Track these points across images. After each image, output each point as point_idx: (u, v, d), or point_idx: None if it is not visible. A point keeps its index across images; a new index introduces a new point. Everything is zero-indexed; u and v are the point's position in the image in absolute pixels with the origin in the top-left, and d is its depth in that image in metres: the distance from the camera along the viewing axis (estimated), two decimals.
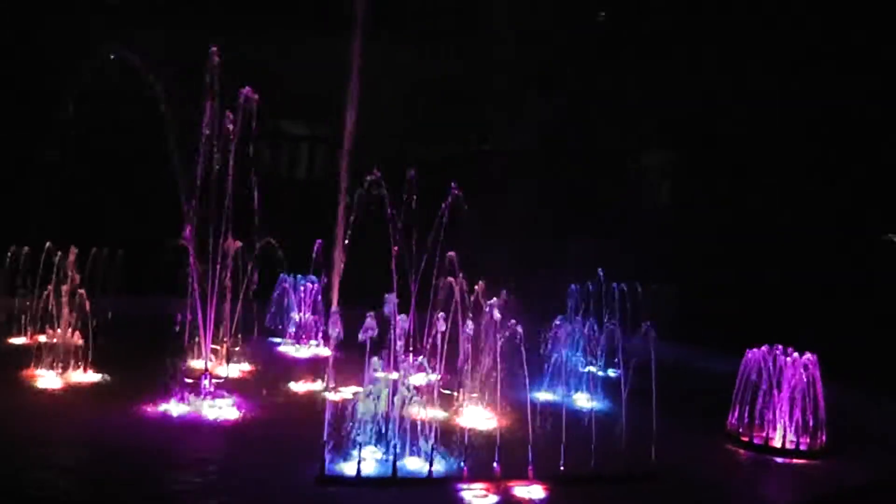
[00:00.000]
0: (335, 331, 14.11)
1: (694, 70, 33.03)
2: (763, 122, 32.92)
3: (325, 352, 19.83)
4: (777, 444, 15.71)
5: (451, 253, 17.58)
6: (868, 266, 31.02)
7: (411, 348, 16.34)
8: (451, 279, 16.52)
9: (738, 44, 32.90)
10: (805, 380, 15.72)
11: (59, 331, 17.14)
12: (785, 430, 15.70)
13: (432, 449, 12.88)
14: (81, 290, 17.06)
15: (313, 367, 18.35)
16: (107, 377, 16.90)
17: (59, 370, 16.77)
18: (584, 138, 32.82)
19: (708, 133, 34.16)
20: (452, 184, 18.78)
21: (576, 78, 32.97)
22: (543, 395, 16.92)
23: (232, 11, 31.12)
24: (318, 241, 21.22)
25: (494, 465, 12.82)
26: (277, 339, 21.30)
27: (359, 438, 12.90)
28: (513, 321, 14.01)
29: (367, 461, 12.72)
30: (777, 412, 15.79)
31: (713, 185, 34.63)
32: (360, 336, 13.20)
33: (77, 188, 26.97)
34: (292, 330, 21.23)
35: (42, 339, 17.80)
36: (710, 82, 32.81)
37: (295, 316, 21.22)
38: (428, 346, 15.91)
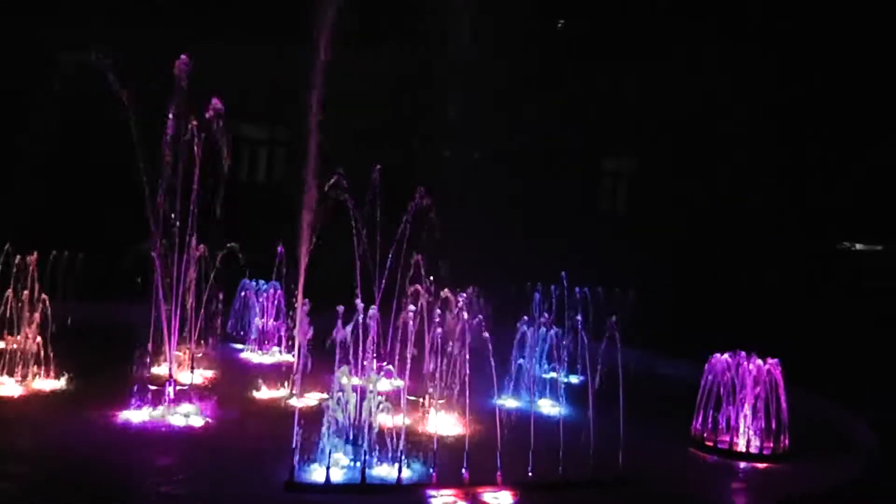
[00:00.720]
0: (306, 326, 13.87)
1: (658, 74, 33.26)
2: (725, 125, 33.21)
3: (288, 358, 19.78)
4: (741, 448, 15.85)
5: (418, 257, 17.57)
6: (831, 272, 31.41)
7: (376, 354, 16.29)
8: (417, 286, 16.49)
9: (704, 47, 33.15)
10: (768, 384, 15.88)
11: (18, 337, 16.90)
12: (748, 435, 15.84)
13: (401, 455, 12.84)
14: (44, 295, 16.86)
15: (277, 374, 18.24)
16: (68, 384, 16.72)
17: (19, 377, 16.55)
18: (546, 142, 32.89)
19: (671, 137, 34.39)
20: (419, 189, 18.80)
21: (542, 81, 33.05)
22: (508, 402, 16.96)
23: (190, 13, 30.95)
24: (280, 248, 21.15)
25: (463, 471, 12.80)
26: (239, 346, 21.20)
27: (327, 445, 12.87)
28: (479, 317, 14.05)
29: (335, 468, 12.69)
30: (740, 417, 15.93)
31: (674, 190, 34.88)
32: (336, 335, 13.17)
33: (37, 191, 26.69)
34: (254, 336, 21.14)
35: (1, 344, 17.60)
36: (675, 86, 33.03)
37: (257, 321, 21.13)
38: (394, 353, 15.89)
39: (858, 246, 36.75)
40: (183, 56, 16.52)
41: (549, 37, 36.58)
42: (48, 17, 29.56)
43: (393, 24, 32.73)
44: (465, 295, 15.97)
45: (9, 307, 17.35)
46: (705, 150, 34.31)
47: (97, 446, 13.76)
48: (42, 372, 16.72)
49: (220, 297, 18.89)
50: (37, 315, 16.79)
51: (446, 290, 15.98)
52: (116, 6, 30.36)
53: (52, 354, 16.75)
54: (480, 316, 15.19)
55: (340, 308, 13.60)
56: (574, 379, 19.35)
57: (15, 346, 16.88)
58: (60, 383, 16.74)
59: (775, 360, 16.03)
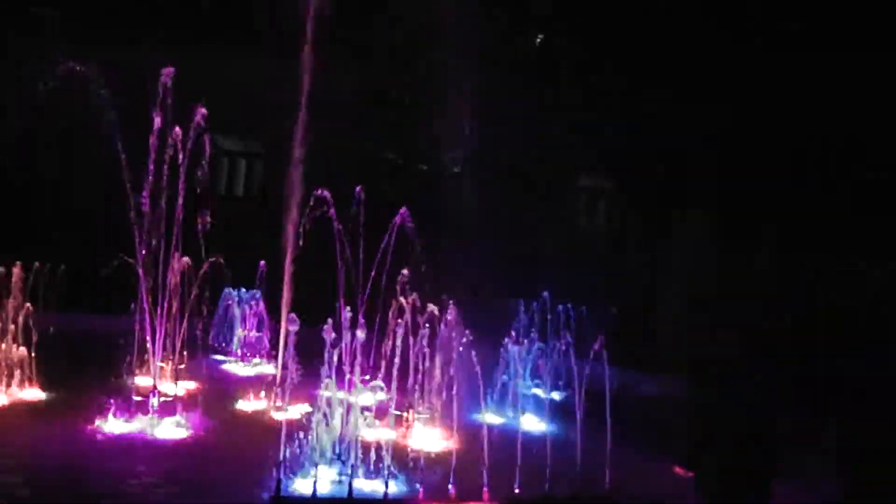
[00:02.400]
0: (293, 327, 13.76)
1: (632, 92, 33.38)
2: (700, 143, 33.35)
3: (270, 369, 19.75)
4: None
5: (404, 271, 17.61)
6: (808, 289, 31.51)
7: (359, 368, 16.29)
8: (402, 299, 16.54)
9: (677, 67, 33.31)
10: None
11: (2, 346, 16.80)
12: None
13: (388, 470, 12.84)
14: (28, 305, 16.79)
15: (259, 385, 18.19)
16: (51, 394, 16.65)
17: (2, 387, 16.45)
18: (522, 159, 32.98)
19: (645, 156, 34.50)
20: (401, 210, 18.88)
21: (517, 98, 33.11)
22: (492, 417, 16.96)
23: (167, 27, 30.92)
24: (262, 262, 21.15)
25: (450, 486, 12.82)
26: (221, 357, 21.16)
27: (313, 458, 12.87)
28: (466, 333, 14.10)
29: (321, 481, 12.67)
30: None
31: (649, 209, 34.98)
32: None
33: (20, 202, 26.58)
34: (236, 347, 21.10)
35: None
36: (648, 105, 33.16)
37: (239, 332, 21.10)
38: (380, 367, 15.91)
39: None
40: (169, 67, 16.53)
41: (527, 52, 36.70)
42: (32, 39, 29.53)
43: (372, 38, 32.81)
44: (450, 310, 15.99)
45: None
46: (678, 167, 34.42)
47: (79, 456, 13.69)
48: (25, 382, 16.61)
49: (204, 308, 18.83)
50: (20, 325, 16.71)
51: (430, 305, 16.04)
52: (97, 21, 30.31)
53: (35, 364, 16.65)
54: (466, 331, 15.20)
55: (328, 327, 13.52)
56: (556, 395, 19.39)
57: None
58: (43, 394, 16.64)
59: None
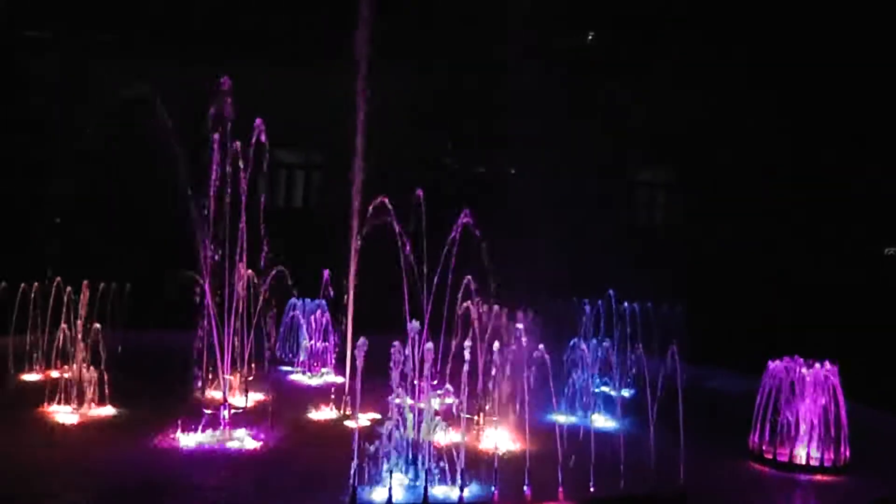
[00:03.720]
0: (361, 352, 13.73)
1: (692, 85, 33.19)
2: (760, 135, 33.07)
3: (338, 379, 19.77)
4: (801, 461, 15.58)
5: (468, 277, 17.52)
6: (875, 278, 31.13)
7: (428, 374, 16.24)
8: (468, 303, 16.47)
9: (735, 60, 33.08)
10: (826, 392, 15.62)
11: (73, 365, 16.99)
12: (808, 446, 15.60)
13: (463, 474, 12.76)
14: (96, 324, 16.95)
15: (328, 395, 18.20)
16: (123, 411, 16.80)
17: (75, 405, 16.63)
18: (583, 155, 32.82)
19: (707, 149, 34.26)
20: (465, 211, 18.80)
21: (575, 94, 33.00)
22: (562, 417, 16.83)
23: (223, 43, 31.21)
24: (326, 271, 21.19)
25: (525, 488, 12.73)
26: (289, 368, 21.23)
27: (388, 465, 12.84)
28: (541, 345, 13.98)
29: (396, 489, 12.63)
30: (799, 427, 15.68)
31: (714, 201, 34.73)
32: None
33: (86, 222, 26.95)
34: (303, 358, 21.15)
35: (55, 374, 17.72)
36: (710, 98, 32.97)
37: (305, 343, 21.15)
38: (448, 372, 15.85)
39: None
40: (225, 78, 16.62)
41: (581, 50, 36.59)
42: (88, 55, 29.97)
43: (424, 42, 32.84)
44: (522, 317, 15.91)
45: (62, 338, 17.51)
46: (743, 158, 34.15)
47: (153, 472, 13.77)
48: (97, 399, 16.77)
49: (270, 319, 18.89)
50: (89, 344, 16.89)
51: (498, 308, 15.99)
52: (153, 39, 30.70)
53: (105, 382, 16.81)
54: (538, 338, 15.09)
55: (396, 343, 13.47)
56: (626, 393, 19.20)
57: (69, 375, 16.95)
58: (114, 410, 16.79)
59: (833, 367, 15.75)
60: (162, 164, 17.02)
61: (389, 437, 13.07)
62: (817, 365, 15.74)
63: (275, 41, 32.92)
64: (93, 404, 16.74)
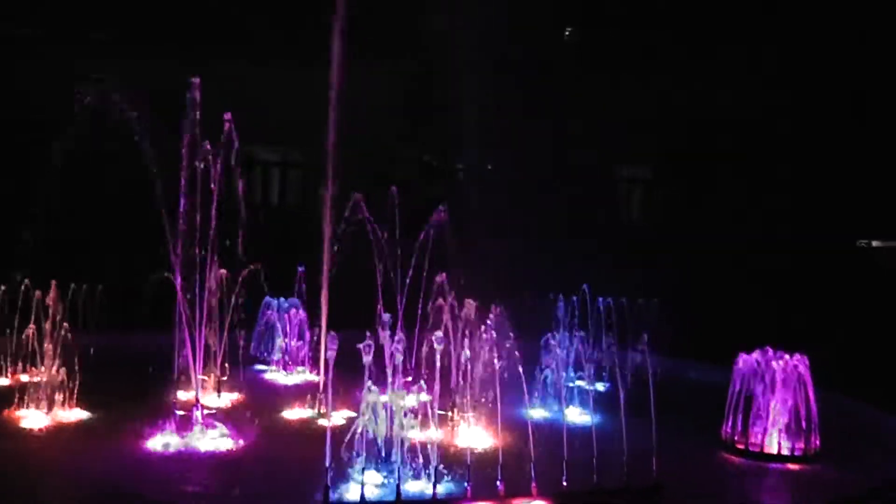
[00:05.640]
0: (333, 349, 13.67)
1: (673, 83, 33.30)
2: (740, 132, 33.22)
3: (313, 377, 19.72)
4: (772, 450, 15.71)
5: (442, 276, 17.51)
6: (850, 272, 31.31)
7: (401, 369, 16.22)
8: (441, 301, 16.47)
9: (715, 56, 33.23)
10: (796, 382, 15.74)
11: (42, 368, 16.85)
12: (779, 436, 15.70)
13: (436, 470, 12.75)
14: (66, 325, 16.83)
15: (303, 394, 18.15)
16: (94, 413, 16.70)
17: (45, 409, 16.49)
18: (560, 151, 32.89)
19: (684, 145, 34.39)
20: (440, 207, 18.84)
21: (554, 90, 33.05)
22: (536, 412, 16.85)
23: (198, 41, 31.09)
24: (301, 267, 21.14)
25: (498, 483, 12.72)
26: (263, 367, 21.16)
27: (361, 463, 12.81)
28: (511, 335, 13.98)
29: (369, 485, 12.61)
30: (769, 417, 15.79)
31: (691, 197, 34.87)
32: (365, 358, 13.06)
33: (55, 223, 26.75)
34: (278, 357, 21.09)
35: (24, 377, 17.61)
36: (689, 94, 33.10)
37: (280, 341, 21.08)
38: (422, 367, 15.83)
39: (875, 243, 36.58)
40: (195, 78, 16.50)
41: (559, 46, 36.66)
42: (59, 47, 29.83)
43: (403, 37, 32.82)
44: (493, 311, 15.89)
45: (31, 340, 17.35)
46: (720, 152, 34.29)
47: (125, 475, 13.68)
48: (67, 402, 16.66)
49: (243, 317, 18.84)
50: (59, 347, 16.77)
51: (470, 302, 15.97)
52: (125, 35, 30.55)
53: (76, 385, 16.70)
54: (510, 332, 15.10)
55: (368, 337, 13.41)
56: (600, 387, 19.23)
57: (38, 378, 16.81)
58: (86, 413, 16.68)
59: (803, 358, 15.90)
60: (133, 162, 16.90)
61: (360, 434, 13.05)
62: (787, 356, 15.86)
63: (250, 37, 32.82)
64: (64, 407, 16.63)
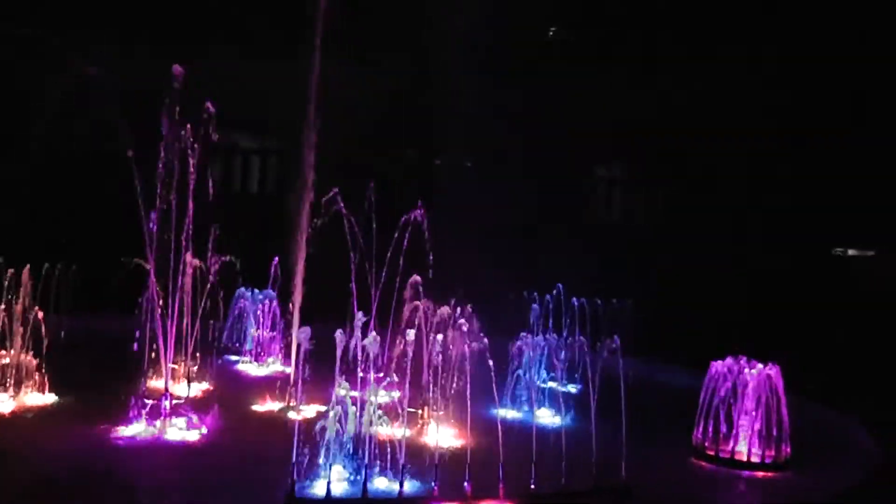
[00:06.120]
0: (306, 343, 13.55)
1: (648, 83, 33.29)
2: (718, 132, 33.23)
3: (285, 369, 19.61)
4: (742, 457, 15.72)
5: (416, 277, 17.45)
6: (824, 279, 31.45)
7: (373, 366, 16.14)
8: (416, 302, 16.40)
9: (694, 54, 33.23)
10: (768, 391, 15.76)
11: (11, 351, 16.69)
12: (750, 443, 15.72)
13: (403, 468, 12.69)
14: (37, 308, 16.68)
15: (273, 386, 18.04)
16: (62, 398, 16.54)
17: (13, 392, 16.33)
18: (537, 150, 32.82)
19: (661, 145, 34.40)
20: (418, 203, 18.80)
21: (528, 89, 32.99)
22: (507, 412, 16.79)
23: (180, 29, 30.92)
24: (276, 258, 21.02)
25: (465, 484, 12.66)
26: (235, 357, 21.05)
27: (327, 458, 12.74)
28: (480, 335, 13.93)
29: (336, 482, 12.54)
30: (741, 424, 15.80)
31: (668, 198, 34.91)
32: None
33: (30, 204, 26.59)
34: (250, 347, 20.98)
35: None
36: (664, 93, 33.09)
37: (253, 332, 20.98)
38: (392, 364, 15.79)
39: (851, 252, 36.79)
40: (176, 66, 16.33)
41: (540, 45, 36.62)
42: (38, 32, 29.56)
43: (384, 33, 32.68)
44: (465, 308, 15.86)
45: (0, 321, 17.17)
46: (696, 157, 34.32)
47: (92, 460, 13.62)
48: (35, 386, 16.51)
49: (215, 307, 18.71)
50: (29, 329, 16.61)
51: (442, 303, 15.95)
52: (105, 21, 30.29)
53: (45, 369, 16.55)
54: (479, 329, 15.07)
55: (339, 332, 13.32)
56: (572, 388, 19.21)
57: (7, 360, 16.64)
58: (54, 398, 16.54)
59: (775, 366, 15.91)
60: (111, 149, 16.74)
61: (330, 429, 12.97)
62: (759, 365, 15.88)
63: (231, 27, 32.64)
64: (31, 392, 16.48)
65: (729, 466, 15.69)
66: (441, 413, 15.90)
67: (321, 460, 12.81)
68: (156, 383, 16.45)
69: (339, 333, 12.97)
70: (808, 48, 32.87)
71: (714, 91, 33.17)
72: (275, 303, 21.00)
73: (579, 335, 18.89)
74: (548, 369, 18.99)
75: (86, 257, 19.59)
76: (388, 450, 13.08)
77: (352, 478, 12.87)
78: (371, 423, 13.18)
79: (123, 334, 17.00)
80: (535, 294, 20.79)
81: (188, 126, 16.56)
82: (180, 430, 15.10)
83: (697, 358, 17.10)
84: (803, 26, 32.97)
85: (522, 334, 17.90)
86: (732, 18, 33.63)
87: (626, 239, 35.18)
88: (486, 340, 13.94)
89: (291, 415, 16.07)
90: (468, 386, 13.90)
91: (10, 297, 17.09)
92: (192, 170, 16.55)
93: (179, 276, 16.41)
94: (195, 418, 15.43)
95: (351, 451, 13.07)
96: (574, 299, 20.56)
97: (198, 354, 18.28)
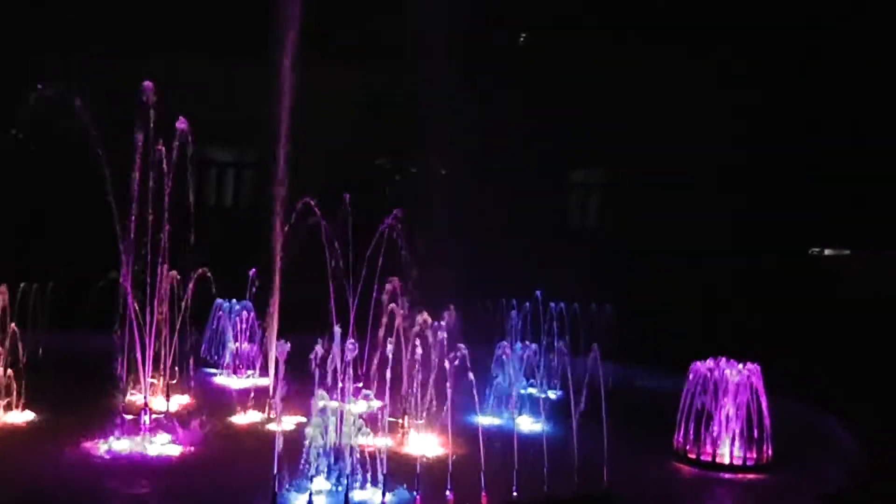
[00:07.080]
0: (283, 354, 13.48)
1: (626, 89, 33.37)
2: (695, 140, 33.30)
3: (263, 381, 19.52)
4: (724, 460, 15.72)
5: (394, 280, 17.43)
6: (801, 280, 31.56)
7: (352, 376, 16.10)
8: (393, 306, 16.39)
9: (670, 62, 33.32)
10: (749, 392, 15.76)
11: None
12: (731, 445, 15.72)
13: (385, 479, 12.64)
14: (13, 325, 16.57)
15: (252, 398, 17.96)
16: (41, 415, 16.43)
17: None
18: (516, 156, 32.80)
19: (640, 151, 34.45)
20: (394, 212, 18.79)
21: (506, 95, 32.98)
22: (488, 419, 16.77)
23: (154, 38, 30.81)
24: (253, 269, 20.93)
25: (447, 493, 12.63)
26: (214, 370, 20.95)
27: (309, 470, 12.68)
28: (460, 345, 13.91)
29: (318, 493, 12.48)
30: (722, 427, 15.80)
31: (646, 203, 34.96)
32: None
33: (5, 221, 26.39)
34: (228, 360, 20.88)
35: None
36: (643, 100, 33.17)
37: (231, 345, 20.88)
38: (372, 373, 15.77)
39: (828, 251, 36.90)
40: (147, 82, 16.25)
41: (513, 51, 36.67)
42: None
43: (359, 41, 32.68)
44: (445, 315, 15.83)
45: None
46: (672, 160, 34.36)
47: (71, 477, 13.50)
48: (13, 404, 16.38)
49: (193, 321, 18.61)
50: (6, 346, 16.49)
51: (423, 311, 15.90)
52: (76, 35, 30.13)
53: (23, 386, 16.43)
54: (458, 336, 15.05)
55: (318, 344, 13.28)
56: (552, 394, 19.20)
57: None
58: (32, 415, 16.41)
59: (755, 367, 15.92)
60: (82, 164, 16.63)
61: (310, 440, 12.91)
62: (740, 366, 15.89)
63: (205, 35, 32.52)
64: (9, 409, 16.36)
65: (711, 469, 15.67)
66: (421, 422, 15.87)
67: (302, 472, 12.74)
68: (135, 398, 16.33)
69: (317, 345, 12.94)
70: (775, 49, 33.05)
71: (685, 94, 33.27)
72: (252, 314, 20.89)
73: (558, 341, 18.89)
74: (527, 376, 18.98)
75: (61, 273, 19.52)
76: (370, 460, 13.04)
77: (334, 489, 12.80)
78: (351, 434, 13.11)
79: (102, 350, 16.90)
80: (514, 300, 20.78)
81: (160, 142, 16.49)
82: (161, 445, 15.00)
83: (678, 361, 17.07)
84: (770, 27, 33.12)
85: (503, 343, 17.80)
86: (702, 19, 33.72)
87: (604, 243, 35.22)
88: (464, 349, 13.90)
89: (272, 427, 15.98)
90: (448, 394, 13.85)
91: None
92: (166, 183, 16.47)
93: (157, 289, 16.34)
94: (175, 432, 15.32)
95: (332, 462, 13.00)
96: (553, 304, 20.55)
97: (176, 368, 18.17)
